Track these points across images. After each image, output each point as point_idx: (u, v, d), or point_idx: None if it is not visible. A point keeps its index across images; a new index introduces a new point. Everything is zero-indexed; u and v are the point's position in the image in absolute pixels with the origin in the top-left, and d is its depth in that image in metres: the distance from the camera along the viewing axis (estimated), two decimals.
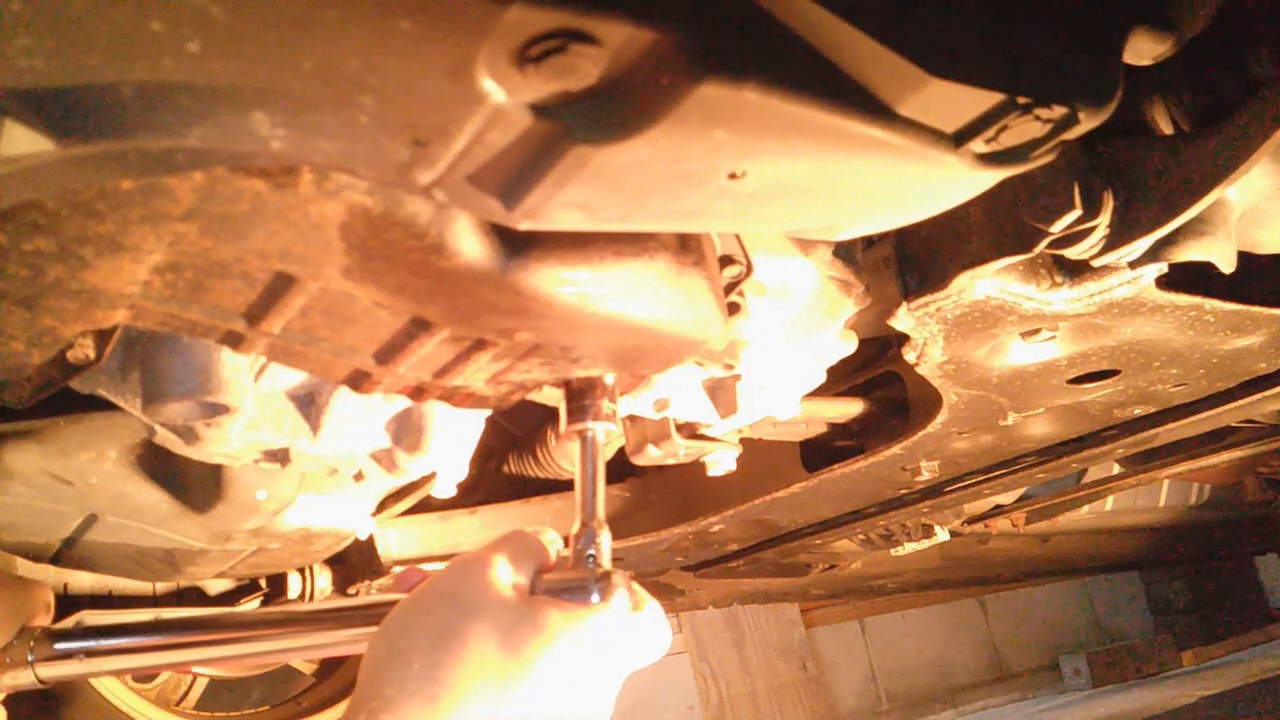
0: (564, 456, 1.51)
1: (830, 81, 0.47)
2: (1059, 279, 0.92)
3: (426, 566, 0.72)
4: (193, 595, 1.66)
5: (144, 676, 2.22)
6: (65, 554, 1.27)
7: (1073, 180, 0.78)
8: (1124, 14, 0.62)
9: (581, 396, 0.75)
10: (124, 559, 1.29)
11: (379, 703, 0.54)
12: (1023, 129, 0.54)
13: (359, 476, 1.08)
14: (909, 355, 1.01)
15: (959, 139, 0.53)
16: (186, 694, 2.30)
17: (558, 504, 1.67)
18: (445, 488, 1.14)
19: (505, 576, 0.63)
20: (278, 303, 0.61)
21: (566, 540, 0.72)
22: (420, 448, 0.98)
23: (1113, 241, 0.82)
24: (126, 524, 1.19)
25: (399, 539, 1.55)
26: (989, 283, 0.89)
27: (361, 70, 0.41)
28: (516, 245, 0.59)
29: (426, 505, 1.52)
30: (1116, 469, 2.23)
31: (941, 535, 1.86)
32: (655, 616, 0.67)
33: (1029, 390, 1.14)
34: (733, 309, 0.84)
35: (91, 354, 0.65)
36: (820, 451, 1.48)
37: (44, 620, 0.80)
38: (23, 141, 0.43)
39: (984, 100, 0.52)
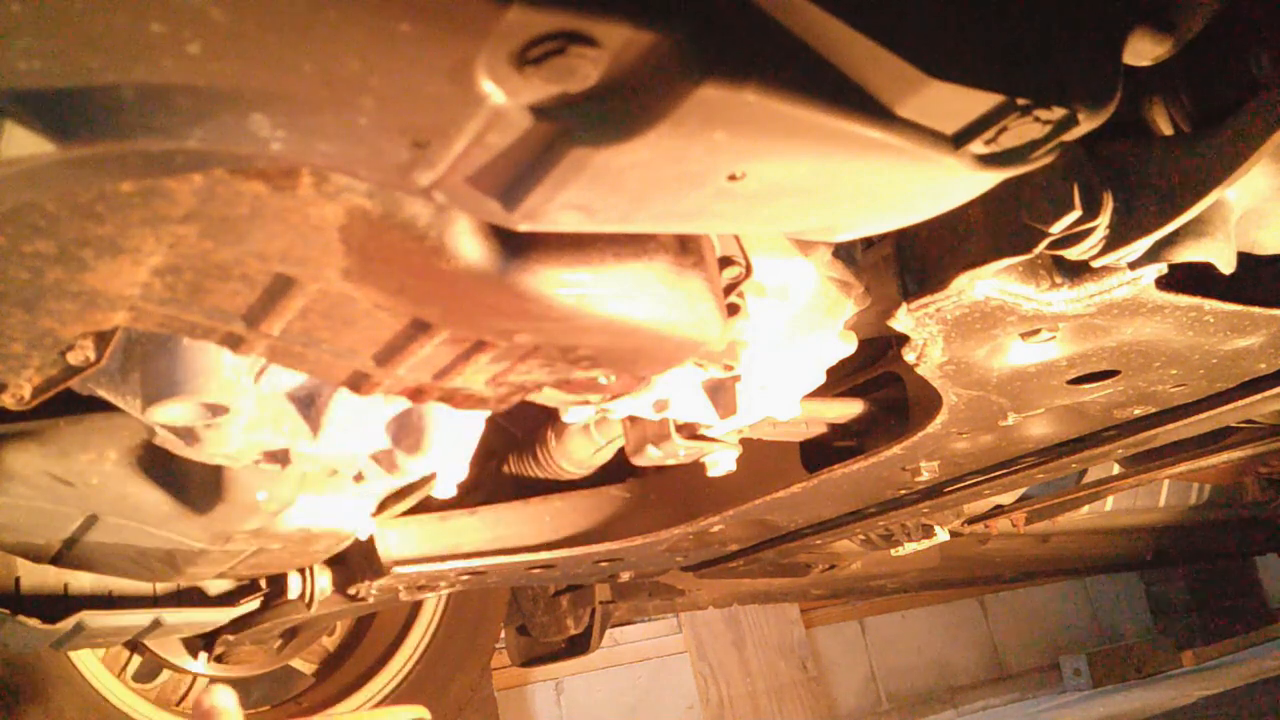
0: (564, 456, 1.51)
1: (829, 83, 0.47)
2: (1059, 280, 0.92)
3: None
4: (193, 595, 1.66)
5: (144, 676, 2.23)
6: (65, 554, 1.27)
7: (1072, 181, 0.78)
8: (1124, 14, 0.62)
9: None
10: (124, 559, 1.29)
11: None
12: (1022, 130, 0.54)
13: (359, 477, 1.08)
14: (909, 356, 1.01)
15: (958, 140, 0.53)
16: (186, 694, 2.30)
17: (558, 504, 1.67)
18: (445, 488, 1.14)
19: None
20: (277, 305, 0.61)
21: None
22: (420, 449, 0.98)
23: (1112, 242, 0.82)
24: (127, 524, 1.19)
25: (399, 539, 1.55)
26: (989, 283, 0.89)
27: (361, 72, 0.41)
28: (516, 247, 0.59)
29: (427, 506, 1.52)
30: (1116, 469, 2.23)
31: (941, 535, 1.86)
32: None
33: (1029, 391, 1.14)
34: (732, 310, 0.84)
35: (91, 355, 0.65)
36: (820, 452, 1.48)
37: None
38: (23, 143, 0.43)
39: (983, 102, 0.52)
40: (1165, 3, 0.64)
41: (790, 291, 0.92)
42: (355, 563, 1.61)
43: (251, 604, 1.67)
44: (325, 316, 0.63)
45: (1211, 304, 0.98)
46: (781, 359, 0.97)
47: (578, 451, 1.48)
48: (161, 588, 1.62)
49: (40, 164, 0.44)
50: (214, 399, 0.82)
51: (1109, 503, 2.81)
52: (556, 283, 0.61)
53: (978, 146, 0.54)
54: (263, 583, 1.68)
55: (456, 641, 2.51)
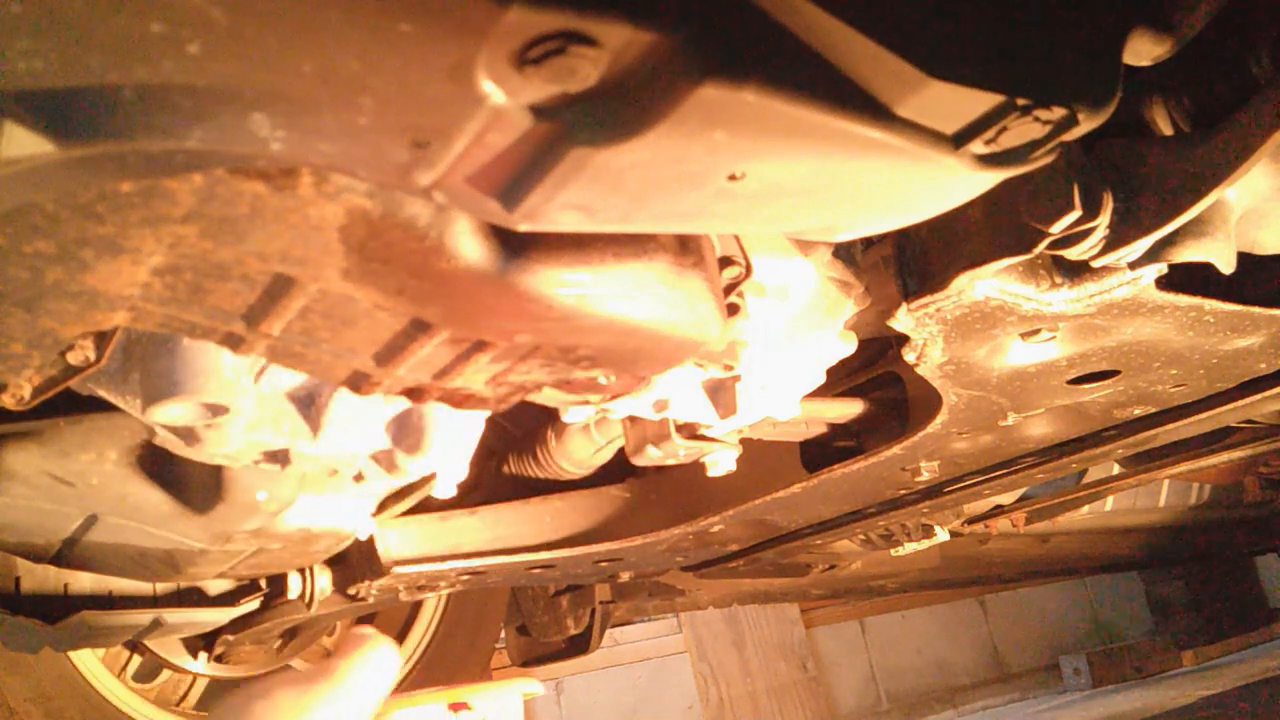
0: (564, 456, 1.51)
1: (829, 83, 0.48)
2: (1059, 280, 0.92)
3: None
4: (193, 595, 1.66)
5: (144, 676, 2.23)
6: (65, 554, 1.27)
7: (1072, 181, 0.78)
8: (1124, 14, 0.62)
9: None
10: (124, 559, 1.29)
11: None
12: (1022, 130, 0.54)
13: (359, 477, 1.08)
14: (909, 356, 1.01)
15: (958, 140, 0.53)
16: (186, 694, 2.30)
17: (558, 504, 1.67)
18: (445, 488, 1.14)
19: None
20: (277, 305, 0.61)
21: None
22: (420, 449, 0.98)
23: (1112, 242, 0.82)
24: (127, 525, 1.19)
25: (399, 539, 1.55)
26: (989, 283, 0.89)
27: (361, 72, 0.41)
28: (516, 247, 0.59)
29: (427, 506, 1.52)
30: (1116, 469, 2.23)
31: (941, 535, 1.86)
32: None
33: (1029, 391, 1.14)
34: (732, 310, 0.84)
35: (92, 356, 0.65)
36: (820, 452, 1.48)
37: None
38: (23, 143, 0.43)
39: (983, 101, 0.52)
40: (1165, 3, 0.64)
41: (790, 291, 0.92)
42: (355, 563, 1.61)
43: (251, 604, 1.67)
44: (325, 316, 0.63)
45: (1211, 304, 0.98)
46: (781, 359, 0.97)
47: (578, 451, 1.48)
48: (161, 588, 1.62)
49: (40, 164, 0.44)
50: (214, 399, 0.82)
51: (1109, 503, 2.81)
52: (556, 283, 0.61)
53: (978, 146, 0.54)
54: (263, 583, 1.68)
55: (456, 641, 2.51)
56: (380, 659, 0.69)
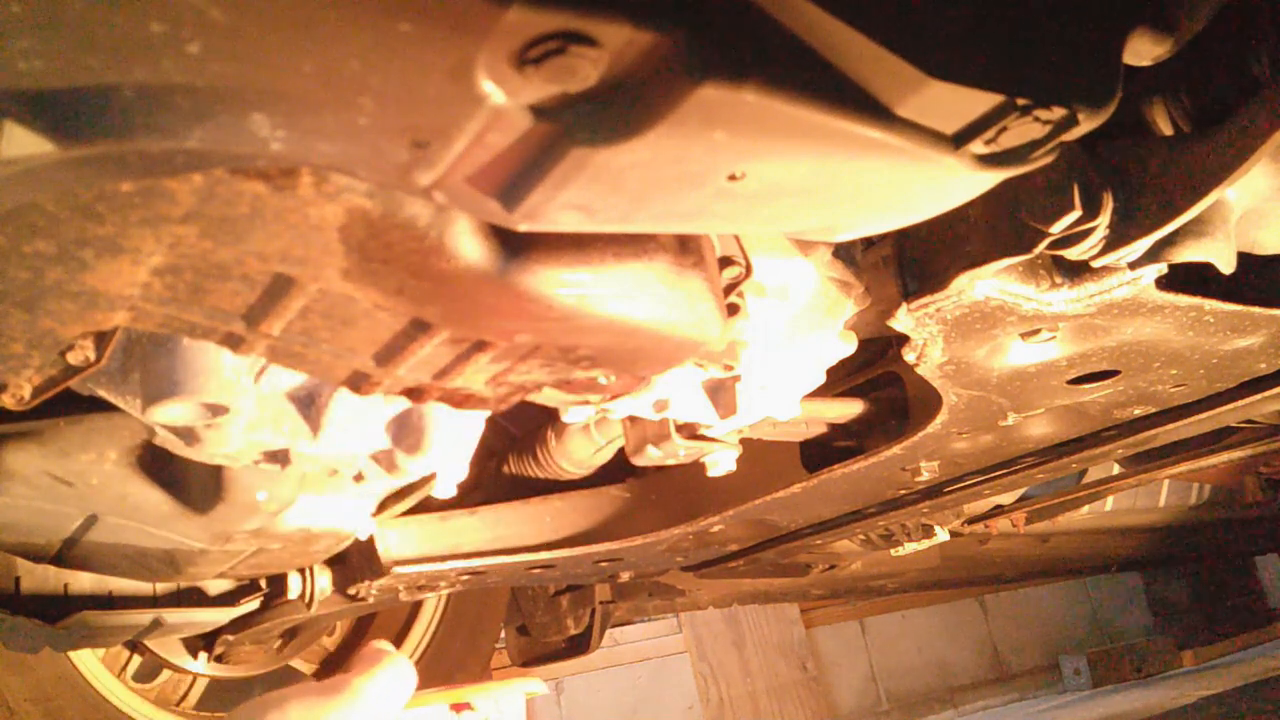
0: (564, 456, 1.51)
1: (829, 83, 0.48)
2: (1059, 280, 0.92)
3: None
4: (193, 595, 1.66)
5: (144, 676, 2.23)
6: (65, 554, 1.27)
7: (1072, 181, 0.78)
8: (1124, 14, 0.62)
9: None
10: (124, 559, 1.29)
11: None
12: (1022, 130, 0.54)
13: (359, 477, 1.08)
14: (909, 356, 1.01)
15: (958, 140, 0.53)
16: (186, 694, 2.30)
17: (558, 504, 1.67)
18: (445, 488, 1.14)
19: None
20: (277, 305, 0.61)
21: None
22: (420, 449, 0.98)
23: (1112, 242, 0.82)
24: (127, 525, 1.19)
25: (399, 539, 1.55)
26: (989, 283, 0.89)
27: (361, 72, 0.41)
28: (516, 247, 0.59)
29: (427, 506, 1.52)
30: (1116, 469, 2.23)
31: (941, 535, 1.86)
32: None
33: (1029, 391, 1.14)
34: (732, 310, 0.84)
35: (92, 356, 0.65)
36: (820, 452, 1.48)
37: None
38: (23, 143, 0.43)
39: (983, 102, 0.52)
40: (1165, 3, 0.64)
41: (790, 291, 0.92)
42: (355, 563, 1.61)
43: (251, 604, 1.67)
44: (325, 316, 0.63)
45: (1211, 304, 0.98)
46: (781, 359, 0.97)
47: (578, 451, 1.48)
48: (161, 588, 1.62)
49: (40, 164, 0.44)
50: (214, 399, 0.82)
51: (1109, 503, 2.81)
52: (556, 283, 0.61)
53: (978, 146, 0.54)
54: (263, 583, 1.68)
55: (456, 641, 2.51)
56: (396, 676, 0.69)
